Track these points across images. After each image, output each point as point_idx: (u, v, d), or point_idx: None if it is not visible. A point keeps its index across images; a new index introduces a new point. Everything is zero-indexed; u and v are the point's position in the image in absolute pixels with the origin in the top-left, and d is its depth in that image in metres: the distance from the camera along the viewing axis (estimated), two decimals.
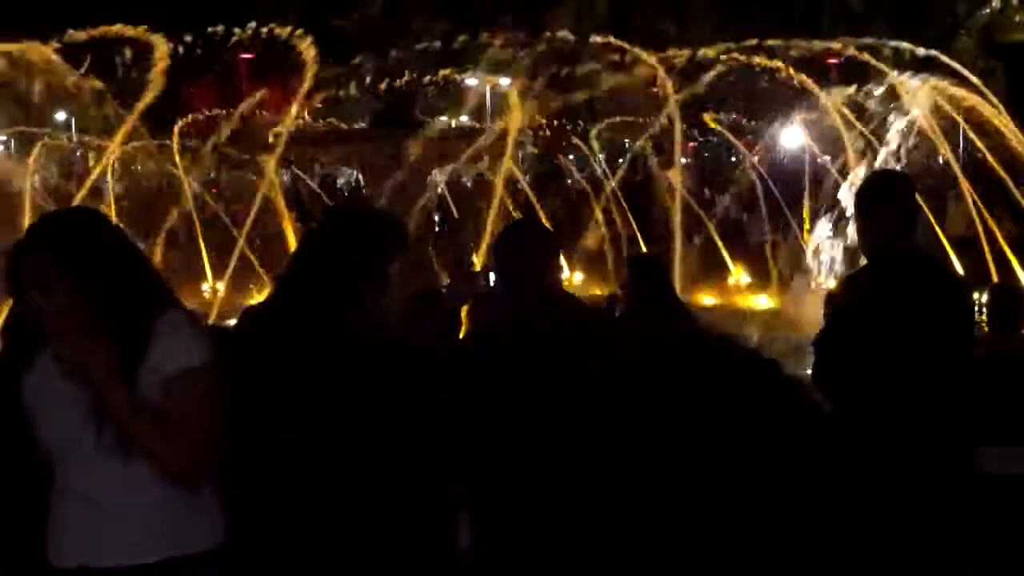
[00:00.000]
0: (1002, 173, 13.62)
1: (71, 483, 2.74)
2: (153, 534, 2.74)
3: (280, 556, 3.11)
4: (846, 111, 14.57)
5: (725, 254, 15.50)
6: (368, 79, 13.45)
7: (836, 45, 15.25)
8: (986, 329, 5.50)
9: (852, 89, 15.00)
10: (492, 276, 4.07)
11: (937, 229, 13.61)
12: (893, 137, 13.91)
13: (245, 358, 3.26)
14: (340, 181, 17.53)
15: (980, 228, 13.55)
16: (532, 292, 3.83)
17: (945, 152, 14.37)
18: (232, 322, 3.57)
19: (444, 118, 13.35)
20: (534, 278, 3.84)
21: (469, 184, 19.81)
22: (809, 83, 13.91)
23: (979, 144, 13.94)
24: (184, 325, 2.81)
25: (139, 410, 2.68)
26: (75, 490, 2.74)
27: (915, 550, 4.00)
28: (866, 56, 14.74)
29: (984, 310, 5.58)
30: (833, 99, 14.57)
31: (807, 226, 15.54)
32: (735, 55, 14.51)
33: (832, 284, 11.82)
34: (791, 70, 14.12)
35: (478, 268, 11.81)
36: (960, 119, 14.09)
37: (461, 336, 4.21)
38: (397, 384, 3.22)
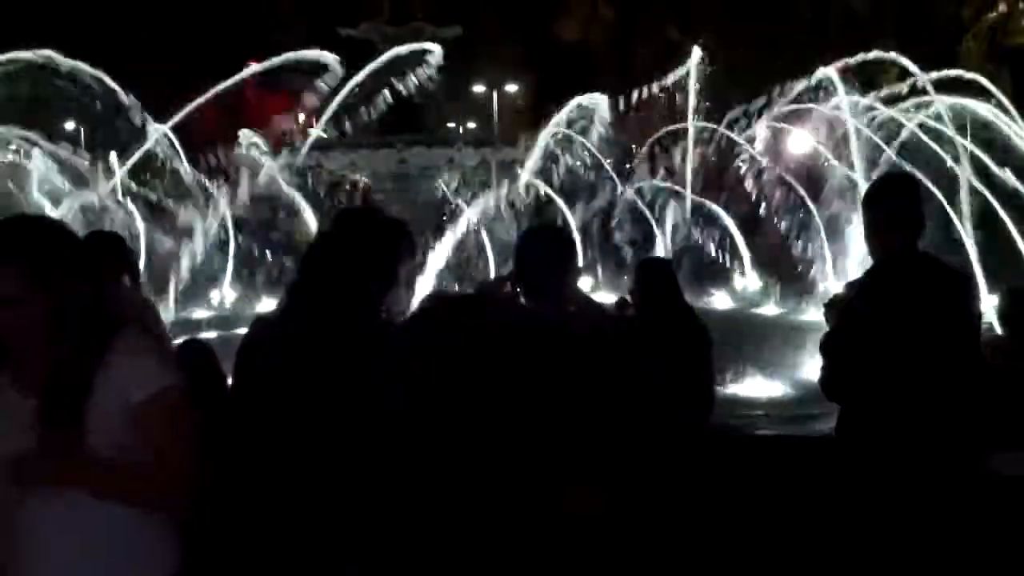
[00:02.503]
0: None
1: (9, 509, 2.56)
2: (93, 568, 2.56)
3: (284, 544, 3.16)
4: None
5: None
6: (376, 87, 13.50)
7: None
8: (1000, 332, 5.48)
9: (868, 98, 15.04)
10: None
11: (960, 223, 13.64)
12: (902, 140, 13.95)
13: (262, 364, 3.31)
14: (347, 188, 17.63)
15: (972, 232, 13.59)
16: (551, 299, 3.85)
17: (953, 156, 14.40)
18: (243, 330, 3.57)
19: (452, 124, 13.37)
20: (554, 285, 3.86)
21: (476, 191, 19.84)
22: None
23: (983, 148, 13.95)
24: (143, 345, 2.65)
25: (109, 474, 2.52)
26: (13, 518, 2.56)
27: (924, 552, 4.01)
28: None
29: (997, 314, 5.57)
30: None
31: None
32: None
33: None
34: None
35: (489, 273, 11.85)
36: (967, 123, 14.11)
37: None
38: (408, 383, 3.26)
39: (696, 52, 16.13)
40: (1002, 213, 14.36)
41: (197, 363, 4.82)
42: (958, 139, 14.25)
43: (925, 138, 13.97)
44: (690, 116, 15.45)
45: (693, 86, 15.14)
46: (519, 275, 3.95)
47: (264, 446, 3.21)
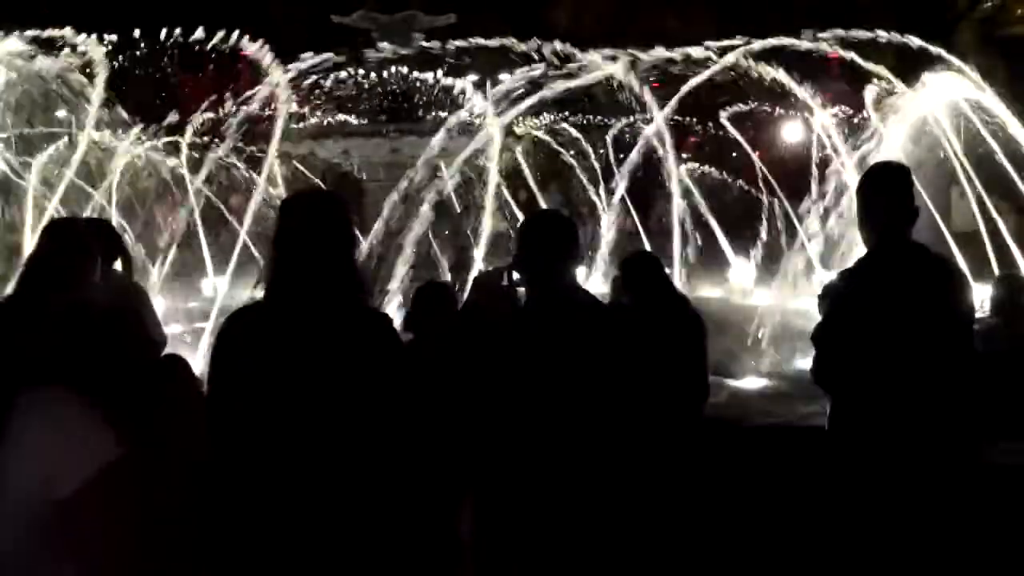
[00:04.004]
0: (1007, 166, 13.62)
1: None
2: None
3: (285, 544, 3.12)
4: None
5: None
6: (367, 74, 13.48)
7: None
8: (993, 320, 5.48)
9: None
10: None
11: (941, 224, 13.64)
12: (894, 131, 13.92)
13: (254, 358, 3.25)
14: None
15: (982, 223, 13.58)
16: (553, 288, 3.81)
17: (948, 147, 14.38)
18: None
19: (443, 113, 13.37)
20: (556, 274, 3.82)
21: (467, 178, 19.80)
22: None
23: (980, 138, 13.92)
24: (65, 406, 2.01)
25: None
26: None
27: (921, 543, 4.01)
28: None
29: (990, 302, 5.56)
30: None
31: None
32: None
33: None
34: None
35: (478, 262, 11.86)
36: (961, 113, 14.08)
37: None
38: (396, 363, 3.26)
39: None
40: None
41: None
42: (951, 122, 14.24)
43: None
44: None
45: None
46: (523, 261, 3.89)
47: (264, 444, 3.16)
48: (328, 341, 3.17)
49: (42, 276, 4.07)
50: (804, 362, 6.48)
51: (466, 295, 5.37)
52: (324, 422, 3.12)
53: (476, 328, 4.09)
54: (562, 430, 3.60)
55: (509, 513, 3.62)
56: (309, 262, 3.23)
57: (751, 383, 9.11)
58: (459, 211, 17.56)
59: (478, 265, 11.65)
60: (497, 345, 3.78)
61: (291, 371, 3.15)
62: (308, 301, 3.22)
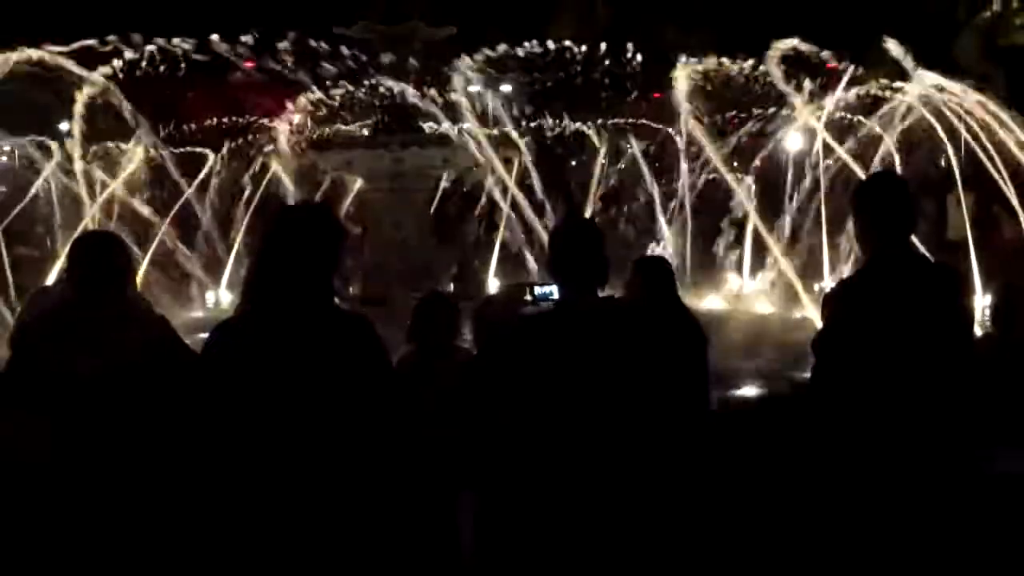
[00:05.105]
0: (1001, 174, 13.64)
1: None
2: None
3: (280, 549, 3.15)
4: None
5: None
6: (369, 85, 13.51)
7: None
8: (992, 328, 5.49)
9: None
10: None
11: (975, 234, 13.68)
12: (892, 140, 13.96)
13: (240, 372, 3.26)
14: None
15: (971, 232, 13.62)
16: (586, 293, 3.83)
17: (946, 154, 14.40)
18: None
19: (447, 124, 13.40)
20: (590, 279, 3.85)
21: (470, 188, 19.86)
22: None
23: (979, 146, 13.93)
24: None
25: None
26: None
27: (919, 550, 4.03)
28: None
29: (990, 311, 5.57)
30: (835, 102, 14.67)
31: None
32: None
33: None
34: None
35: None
36: (960, 122, 14.10)
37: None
38: (385, 370, 3.29)
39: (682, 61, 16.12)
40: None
41: None
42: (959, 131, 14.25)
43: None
44: (683, 119, 15.50)
45: (683, 92, 15.16)
46: (563, 263, 3.86)
47: (252, 451, 3.18)
48: (311, 346, 3.21)
49: (101, 282, 4.16)
50: (804, 370, 6.51)
51: (476, 307, 5.40)
52: (309, 424, 3.16)
53: (491, 339, 4.11)
54: (595, 436, 3.62)
55: (513, 519, 3.64)
56: (294, 271, 3.27)
57: (750, 391, 9.12)
58: (460, 222, 17.62)
59: (481, 274, 11.68)
60: (508, 352, 3.79)
61: (278, 379, 3.19)
62: (290, 309, 3.25)
